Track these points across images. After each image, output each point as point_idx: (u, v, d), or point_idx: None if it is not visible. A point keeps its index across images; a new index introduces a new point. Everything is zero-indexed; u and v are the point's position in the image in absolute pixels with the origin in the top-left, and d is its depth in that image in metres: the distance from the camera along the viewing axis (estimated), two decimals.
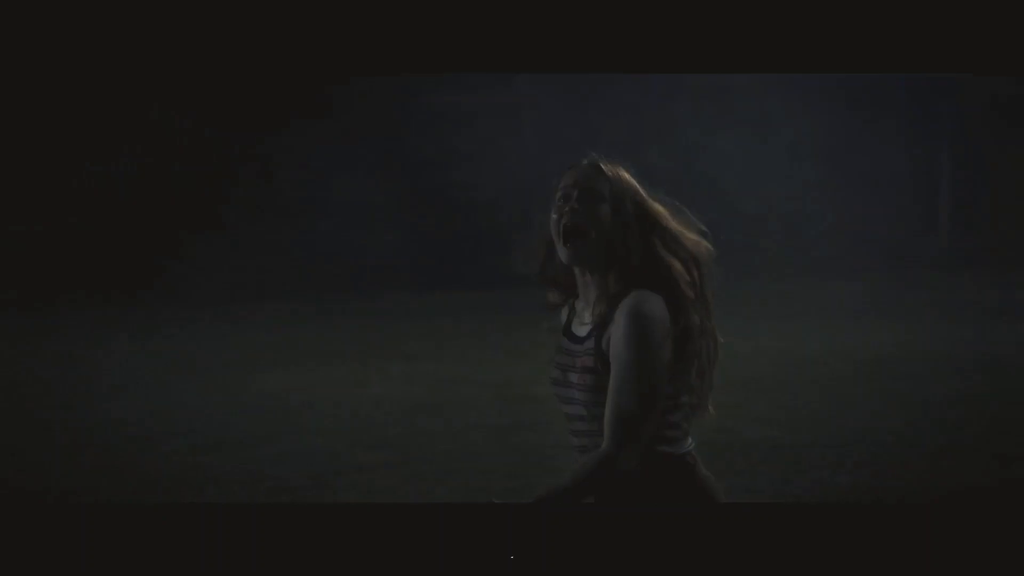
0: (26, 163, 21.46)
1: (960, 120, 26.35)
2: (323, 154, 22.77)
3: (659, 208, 3.06)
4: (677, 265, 2.98)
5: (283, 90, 21.77)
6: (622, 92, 23.24)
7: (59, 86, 20.85)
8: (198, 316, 17.94)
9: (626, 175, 3.06)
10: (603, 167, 3.05)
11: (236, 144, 22.54)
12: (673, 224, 3.05)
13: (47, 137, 21.51)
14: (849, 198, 25.45)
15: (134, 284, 20.56)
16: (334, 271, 22.12)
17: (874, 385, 10.85)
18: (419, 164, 23.68)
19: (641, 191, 3.06)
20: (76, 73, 19.53)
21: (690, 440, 3.03)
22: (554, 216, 3.03)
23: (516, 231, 22.03)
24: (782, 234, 24.75)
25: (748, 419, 8.74)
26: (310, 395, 10.82)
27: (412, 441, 8.73)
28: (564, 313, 3.18)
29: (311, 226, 22.59)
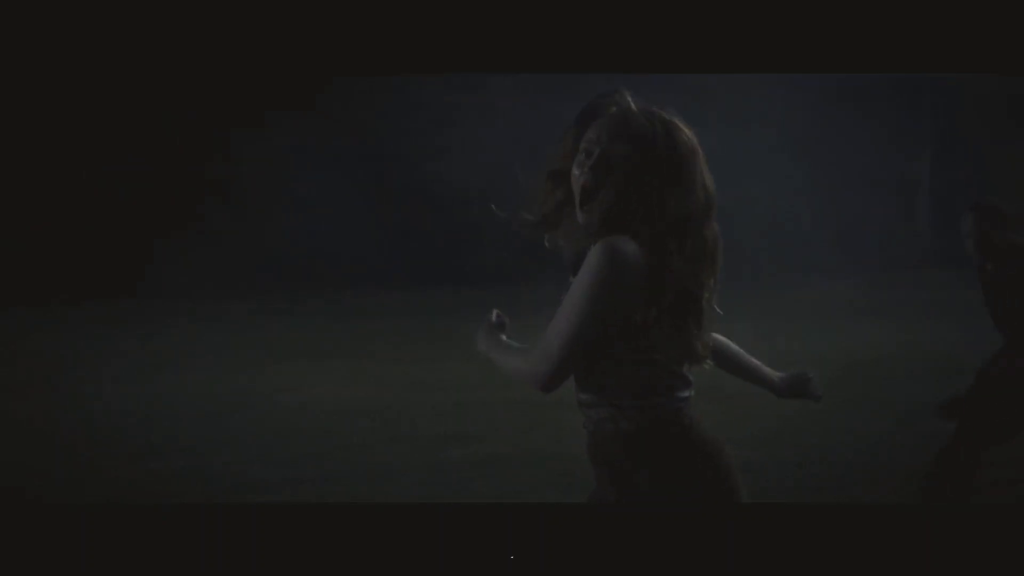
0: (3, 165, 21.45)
1: (947, 119, 26.38)
2: (299, 150, 22.74)
3: (680, 166, 2.90)
4: (678, 227, 2.88)
5: (259, 87, 21.73)
6: (600, 86, 23.15)
7: (41, 87, 20.84)
8: (174, 314, 17.87)
9: (656, 125, 2.91)
10: (631, 122, 2.91)
11: (212, 141, 22.51)
12: (690, 186, 2.90)
13: (24, 138, 21.49)
14: (836, 197, 25.48)
15: (116, 283, 20.52)
16: (311, 268, 22.08)
17: (871, 387, 10.85)
18: (394, 159, 23.68)
19: (676, 144, 2.90)
20: (62, 74, 19.50)
21: (683, 394, 2.94)
22: (575, 172, 2.93)
23: (491, 227, 21.95)
24: (769, 233, 24.76)
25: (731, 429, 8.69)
26: (247, 399, 10.64)
27: (343, 450, 8.46)
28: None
29: (287, 223, 22.54)
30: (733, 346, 3.32)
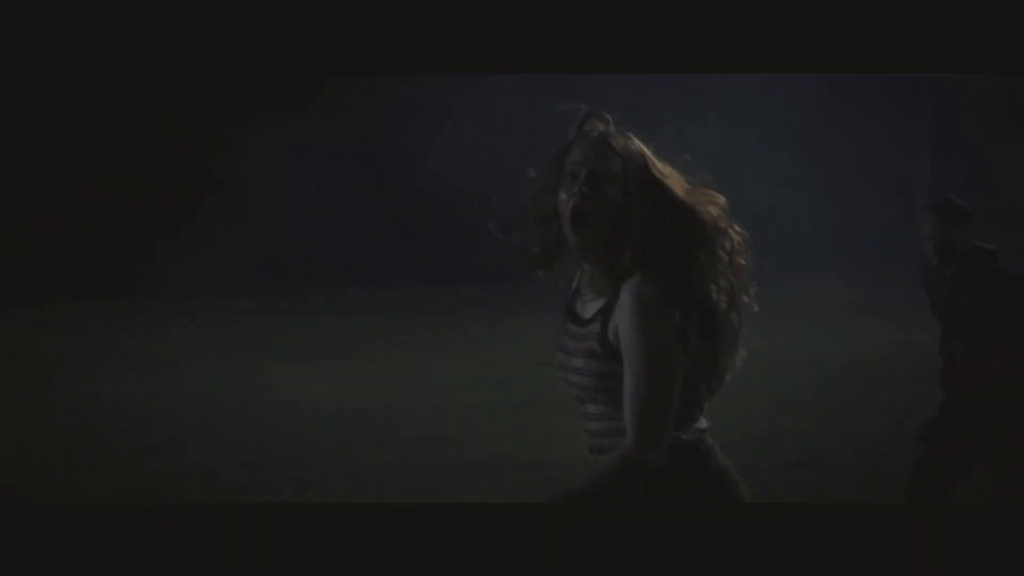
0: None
1: (947, 119, 26.37)
2: (299, 150, 22.73)
3: (671, 182, 2.88)
4: (685, 245, 2.84)
5: (259, 87, 21.70)
6: (596, 85, 23.09)
7: (41, 87, 20.83)
8: (174, 314, 17.87)
9: (637, 147, 2.89)
10: (613, 142, 2.88)
11: (212, 141, 22.49)
12: (687, 199, 2.88)
13: (25, 138, 21.47)
14: (836, 197, 25.46)
15: (116, 283, 20.50)
16: (311, 268, 22.04)
17: (871, 387, 10.83)
18: (394, 159, 23.65)
19: (653, 164, 2.88)
20: (62, 74, 19.49)
21: (701, 425, 2.90)
22: (563, 196, 2.87)
23: (486, 226, 21.72)
24: (769, 233, 24.70)
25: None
26: (247, 399, 10.60)
27: (344, 450, 8.40)
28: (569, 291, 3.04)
29: (287, 222, 22.51)
30: None
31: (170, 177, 22.51)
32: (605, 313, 2.87)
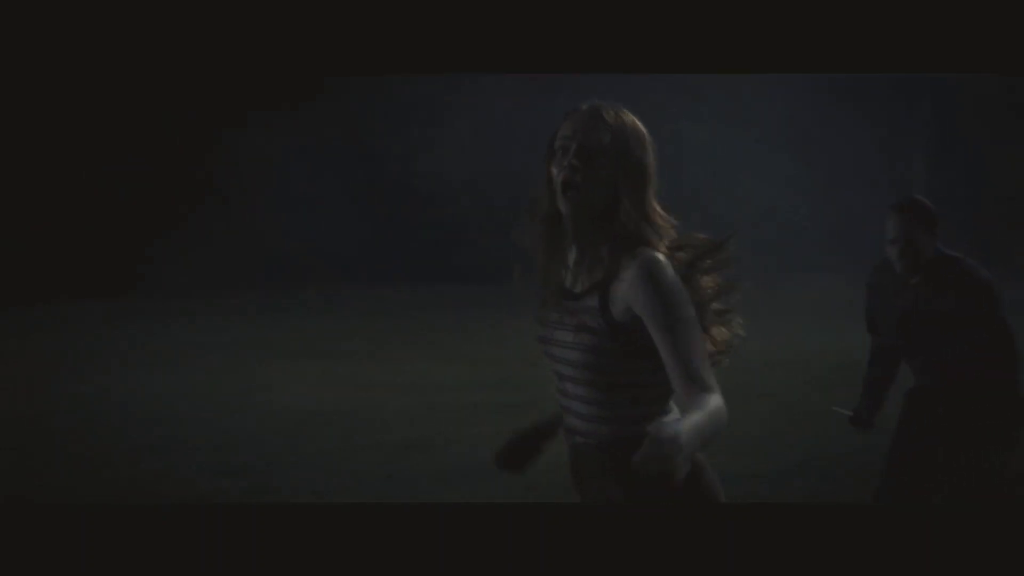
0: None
1: (947, 119, 26.38)
2: (299, 150, 22.74)
3: (649, 178, 2.88)
4: (669, 226, 2.87)
5: (252, 85, 21.71)
6: (596, 85, 23.09)
7: (41, 87, 20.83)
8: (173, 313, 17.87)
9: (630, 121, 2.87)
10: (604, 115, 2.85)
11: (207, 139, 22.51)
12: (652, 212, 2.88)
13: (25, 138, 21.48)
14: (835, 197, 25.47)
15: (116, 282, 20.51)
16: (312, 267, 22.06)
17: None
18: (392, 158, 23.67)
19: (645, 141, 2.88)
20: (62, 74, 19.47)
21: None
22: (553, 170, 2.84)
23: (479, 225, 21.90)
24: (768, 232, 24.74)
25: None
26: (247, 399, 10.61)
27: (344, 450, 8.36)
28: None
29: (287, 222, 22.54)
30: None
31: (170, 177, 22.53)
32: (601, 287, 2.84)
